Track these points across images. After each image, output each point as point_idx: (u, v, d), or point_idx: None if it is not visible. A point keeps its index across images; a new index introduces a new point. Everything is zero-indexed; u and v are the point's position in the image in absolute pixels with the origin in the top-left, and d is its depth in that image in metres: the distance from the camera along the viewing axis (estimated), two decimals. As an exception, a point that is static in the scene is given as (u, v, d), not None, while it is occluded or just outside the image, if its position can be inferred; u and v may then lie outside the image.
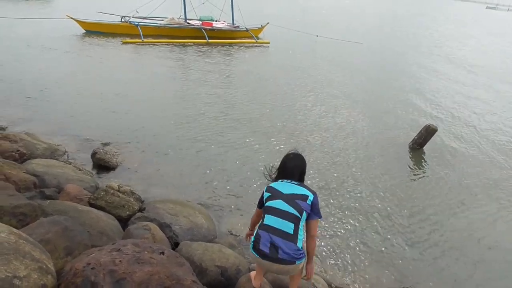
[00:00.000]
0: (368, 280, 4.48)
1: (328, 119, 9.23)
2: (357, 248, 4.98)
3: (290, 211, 2.92)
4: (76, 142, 6.92)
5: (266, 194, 3.11)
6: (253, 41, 17.44)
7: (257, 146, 7.48)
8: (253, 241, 2.99)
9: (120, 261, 2.72)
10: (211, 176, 6.31)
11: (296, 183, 3.11)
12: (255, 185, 6.11)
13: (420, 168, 7.37)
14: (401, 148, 8.06)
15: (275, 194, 3.04)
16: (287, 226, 2.88)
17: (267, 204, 3.04)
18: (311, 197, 3.01)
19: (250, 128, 8.29)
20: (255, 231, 3.04)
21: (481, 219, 5.97)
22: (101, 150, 6.34)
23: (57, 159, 5.98)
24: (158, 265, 2.83)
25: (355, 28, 26.99)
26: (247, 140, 7.70)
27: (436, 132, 7.90)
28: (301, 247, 2.91)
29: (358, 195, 6.15)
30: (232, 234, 5.00)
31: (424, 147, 8.03)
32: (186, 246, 4.00)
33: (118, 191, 4.91)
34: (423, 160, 7.69)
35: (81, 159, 6.34)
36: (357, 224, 5.45)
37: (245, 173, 6.47)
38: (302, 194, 3.00)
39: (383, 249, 5.02)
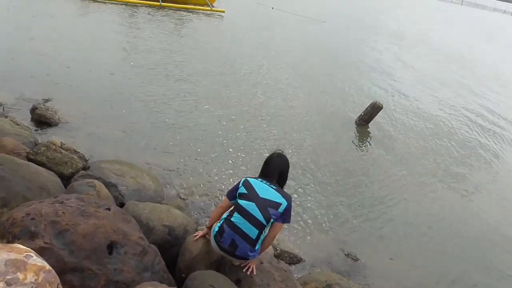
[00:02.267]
0: (313, 246, 4.67)
1: (276, 95, 9.23)
2: (303, 216, 5.16)
3: (259, 219, 3.00)
4: (14, 97, 6.40)
5: (242, 189, 3.12)
6: (208, 8, 16.94)
7: (208, 117, 7.35)
8: (216, 231, 3.11)
9: (63, 212, 2.61)
10: (161, 140, 6.16)
11: (274, 187, 3.12)
12: (203, 150, 6.07)
13: (364, 144, 7.70)
14: (347, 124, 8.34)
15: (251, 194, 3.06)
16: (252, 232, 3.00)
17: (240, 202, 3.07)
18: (284, 204, 3.06)
19: (203, 99, 8.10)
20: (221, 223, 3.12)
21: (419, 193, 6.40)
22: (42, 106, 5.94)
23: (-8, 112, 5.54)
24: (103, 219, 2.75)
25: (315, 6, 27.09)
26: (199, 109, 7.56)
27: (382, 110, 8.23)
28: (258, 248, 3.11)
29: (306, 170, 6.28)
30: (180, 197, 4.96)
31: (370, 124, 8.35)
32: (132, 205, 3.90)
33: (61, 147, 4.65)
34: (368, 136, 8.02)
35: (19, 114, 5.90)
36: (304, 196, 5.61)
37: (196, 140, 6.38)
38: (276, 202, 3.05)
39: (326, 218, 5.25)
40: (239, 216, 3.03)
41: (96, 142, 5.75)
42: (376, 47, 18.01)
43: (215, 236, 3.12)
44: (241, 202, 3.06)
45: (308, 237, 4.81)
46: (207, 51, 11.65)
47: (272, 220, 3.05)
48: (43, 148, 4.37)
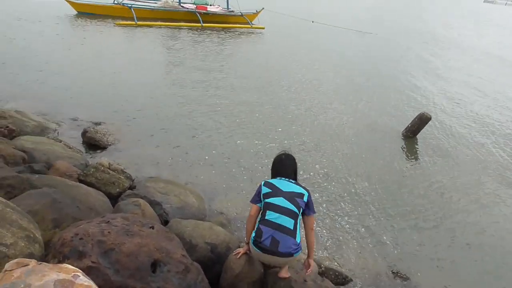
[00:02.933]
0: (359, 263, 4.51)
1: (320, 109, 9.16)
2: (350, 233, 5.01)
3: (291, 208, 3.11)
4: (67, 121, 6.83)
5: (265, 189, 3.24)
6: (248, 26, 17.27)
7: (247, 132, 7.41)
8: (254, 236, 3.14)
9: (108, 232, 2.70)
10: (203, 158, 6.28)
11: (292, 181, 3.29)
12: (245, 169, 6.10)
13: (413, 156, 7.40)
14: (394, 136, 8.08)
15: (275, 191, 3.19)
16: (288, 222, 3.08)
17: (268, 200, 3.17)
18: (306, 195, 3.22)
19: (243, 114, 8.20)
20: (256, 226, 3.16)
21: (475, 208, 6.01)
22: (92, 129, 6.27)
23: (47, 137, 5.90)
24: (147, 238, 2.82)
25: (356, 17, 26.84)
26: (239, 126, 7.65)
27: (430, 121, 7.92)
28: (299, 242, 3.12)
29: (353, 184, 6.13)
30: (222, 213, 5.00)
31: (417, 135, 8.05)
32: (176, 222, 3.97)
33: (109, 168, 4.86)
34: (416, 148, 7.72)
35: (71, 138, 6.26)
36: (351, 211, 5.45)
37: (237, 156, 6.45)
38: (299, 192, 3.21)
39: (372, 235, 5.06)
40: (272, 212, 3.11)
41: (142, 162, 5.96)
42: (422, 55, 17.45)
43: (254, 242, 3.13)
44: (269, 200, 3.15)
45: (354, 255, 4.65)
46: (249, 67, 11.83)
47: (302, 209, 3.17)
48: (93, 170, 4.58)
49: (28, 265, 2.07)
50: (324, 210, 5.37)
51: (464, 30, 30.12)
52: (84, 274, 2.17)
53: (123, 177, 4.79)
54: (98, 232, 2.67)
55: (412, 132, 8.06)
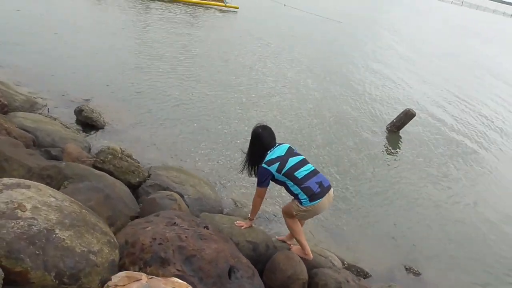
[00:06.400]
0: (374, 259, 4.68)
1: (304, 100, 9.13)
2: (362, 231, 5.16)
3: (302, 159, 3.48)
4: (53, 96, 6.25)
5: (274, 167, 3.36)
6: (222, 4, 16.74)
7: (241, 115, 7.27)
8: (305, 197, 3.35)
9: (186, 236, 2.55)
10: (205, 144, 6.05)
11: (278, 145, 3.51)
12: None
13: (395, 150, 7.70)
14: (378, 130, 8.32)
15: (281, 159, 3.37)
16: (311, 167, 3.47)
17: (286, 170, 3.35)
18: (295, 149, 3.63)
19: (229, 98, 7.99)
20: (300, 188, 3.36)
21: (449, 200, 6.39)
22: (87, 108, 5.80)
23: (40, 114, 5.39)
24: (219, 242, 2.70)
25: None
26: (231, 108, 7.48)
27: (414, 117, 8.25)
28: None
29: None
30: (238, 206, 4.90)
31: (400, 131, 8.36)
32: (209, 218, 3.83)
33: (123, 155, 4.55)
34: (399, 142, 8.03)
35: (63, 115, 5.77)
36: (359, 205, 5.59)
37: (239, 144, 6.30)
38: (293, 149, 3.55)
39: (384, 231, 5.25)
40: (298, 170, 3.36)
41: (142, 145, 5.65)
42: (396, 50, 18.03)
43: (310, 199, 3.34)
44: (286, 169, 3.34)
45: (367, 251, 4.81)
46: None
47: None
48: (110, 156, 4.26)
49: (141, 279, 1.91)
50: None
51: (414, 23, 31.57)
52: (187, 285, 2.05)
53: (141, 165, 4.52)
54: (176, 237, 2.51)
55: (396, 127, 8.35)
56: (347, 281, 3.47)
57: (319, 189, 3.38)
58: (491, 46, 28.72)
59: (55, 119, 5.40)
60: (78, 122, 5.77)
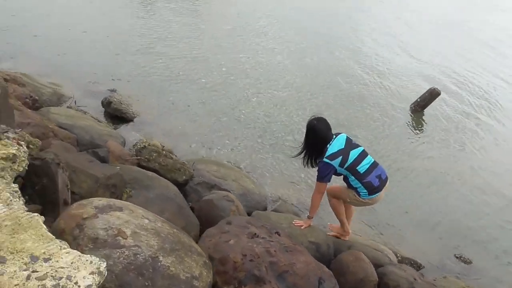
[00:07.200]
0: (423, 249, 4.60)
1: (331, 81, 8.79)
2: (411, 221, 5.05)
3: (362, 150, 3.42)
4: (77, 87, 6.00)
5: (337, 161, 3.27)
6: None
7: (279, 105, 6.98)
8: (365, 192, 3.36)
9: (274, 251, 2.42)
10: (240, 134, 5.83)
11: (335, 136, 3.42)
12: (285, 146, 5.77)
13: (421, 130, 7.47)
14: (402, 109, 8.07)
15: (343, 153, 3.29)
16: (371, 159, 3.43)
17: (348, 164, 3.30)
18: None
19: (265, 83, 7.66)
20: (361, 182, 3.33)
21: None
22: (115, 99, 5.58)
23: (70, 107, 5.17)
24: (305, 253, 2.57)
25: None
26: (262, 96, 7.19)
27: (439, 96, 8.04)
28: None
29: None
30: (282, 201, 4.75)
31: (425, 110, 8.17)
32: (264, 217, 3.70)
33: (165, 151, 4.37)
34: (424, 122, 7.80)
35: (91, 108, 5.55)
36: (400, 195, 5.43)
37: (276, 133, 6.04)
38: (350, 137, 3.48)
39: (430, 220, 5.14)
40: (360, 164, 3.31)
41: (175, 138, 5.47)
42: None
43: (369, 192, 3.36)
44: (348, 163, 3.28)
45: (415, 240, 4.73)
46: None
47: None
48: (155, 154, 4.10)
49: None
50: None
51: None
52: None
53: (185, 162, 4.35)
54: (264, 252, 2.39)
55: (421, 106, 8.15)
56: (414, 279, 3.39)
57: (378, 183, 3.38)
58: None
59: (85, 112, 5.19)
60: (106, 114, 5.56)
